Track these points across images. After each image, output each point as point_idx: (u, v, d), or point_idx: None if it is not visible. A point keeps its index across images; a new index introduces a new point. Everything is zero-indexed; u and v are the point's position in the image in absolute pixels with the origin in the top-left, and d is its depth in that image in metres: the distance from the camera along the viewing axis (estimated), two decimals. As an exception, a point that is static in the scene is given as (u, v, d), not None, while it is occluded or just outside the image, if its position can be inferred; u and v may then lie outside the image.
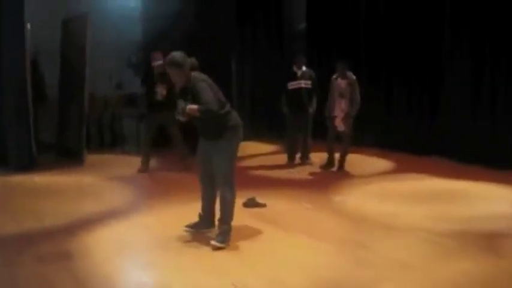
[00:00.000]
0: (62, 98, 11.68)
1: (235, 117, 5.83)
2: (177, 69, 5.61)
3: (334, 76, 9.77)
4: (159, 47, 11.55)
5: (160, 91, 9.29)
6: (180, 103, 5.57)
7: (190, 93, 5.56)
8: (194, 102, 5.50)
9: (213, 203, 6.05)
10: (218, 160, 5.71)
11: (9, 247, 5.88)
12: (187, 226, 6.18)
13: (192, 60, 5.73)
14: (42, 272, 5.11)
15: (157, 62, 9.26)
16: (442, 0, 10.80)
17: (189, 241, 5.92)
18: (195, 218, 6.22)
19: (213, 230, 6.05)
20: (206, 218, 6.14)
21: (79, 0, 12.76)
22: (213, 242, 5.66)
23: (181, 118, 5.65)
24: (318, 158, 10.32)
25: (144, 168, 9.68)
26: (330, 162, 9.92)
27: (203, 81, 5.62)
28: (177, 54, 5.66)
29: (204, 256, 5.48)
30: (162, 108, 9.22)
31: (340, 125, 9.48)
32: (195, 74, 5.69)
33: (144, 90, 9.48)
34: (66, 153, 11.24)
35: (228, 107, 5.78)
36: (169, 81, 8.88)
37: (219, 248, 5.60)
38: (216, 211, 6.05)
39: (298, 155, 10.54)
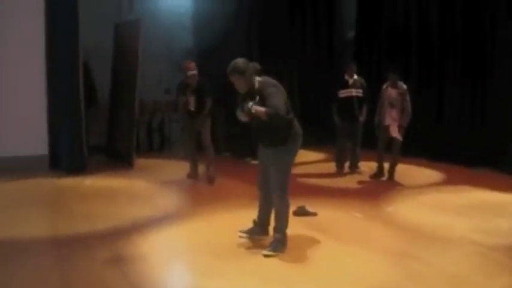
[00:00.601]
0: (113, 102, 11.83)
1: (297, 125, 5.80)
2: (239, 75, 5.56)
3: (385, 85, 9.66)
4: (209, 54, 11.75)
5: (193, 101, 9.27)
6: (247, 102, 5.50)
7: (257, 98, 5.51)
8: (262, 105, 5.46)
9: (270, 211, 6.02)
10: (275, 167, 5.69)
11: (63, 249, 5.97)
12: (241, 231, 6.18)
13: (255, 65, 5.68)
14: (96, 275, 5.18)
15: (190, 72, 9.20)
16: (496, 8, 10.62)
17: (242, 247, 5.92)
18: (246, 224, 6.22)
19: (267, 238, 6.04)
20: (261, 225, 6.14)
21: (131, 5, 13.00)
22: (264, 251, 5.66)
23: (243, 118, 5.61)
24: (367, 167, 10.22)
25: (194, 174, 9.70)
26: (379, 171, 9.81)
27: (274, 86, 5.60)
28: (239, 61, 5.61)
29: (255, 263, 5.48)
30: (196, 117, 9.27)
31: (395, 132, 9.35)
32: (265, 79, 5.67)
33: (180, 100, 9.45)
34: (116, 157, 11.38)
35: (291, 114, 5.74)
36: (200, 93, 9.08)
37: (269, 256, 5.59)
38: (271, 219, 6.03)
39: (347, 164, 10.45)
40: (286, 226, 5.83)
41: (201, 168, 9.71)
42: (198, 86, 9.19)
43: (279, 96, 5.51)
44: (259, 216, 6.16)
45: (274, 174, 5.71)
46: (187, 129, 9.56)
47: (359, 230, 6.74)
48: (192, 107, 9.24)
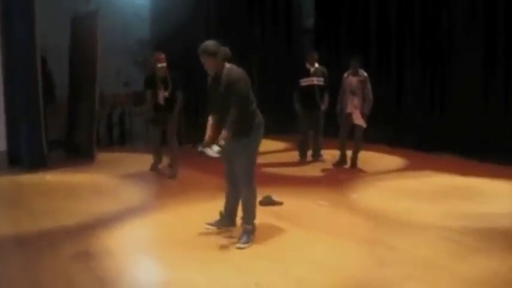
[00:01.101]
0: (72, 96, 11.65)
1: (259, 115, 5.81)
2: (209, 57, 5.60)
3: (346, 73, 9.72)
4: (167, 45, 11.65)
5: (162, 95, 9.16)
6: (212, 148, 5.58)
7: (223, 84, 5.57)
8: (225, 93, 5.54)
9: (237, 202, 6.01)
10: (239, 158, 5.69)
11: (28, 246, 5.86)
12: (208, 224, 6.15)
13: (226, 50, 5.71)
14: (63, 271, 5.12)
15: (160, 64, 9.08)
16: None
17: (210, 239, 5.89)
18: (213, 216, 6.20)
19: (233, 228, 6.03)
20: (228, 216, 6.13)
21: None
22: (237, 245, 5.65)
23: (216, 155, 5.58)
24: (330, 155, 10.29)
25: (156, 167, 9.65)
26: (342, 159, 9.89)
27: (242, 81, 5.62)
28: (210, 43, 5.66)
29: (225, 254, 5.47)
30: (165, 111, 9.13)
31: (358, 119, 9.41)
32: (233, 67, 5.70)
33: (148, 93, 9.32)
34: (76, 151, 11.21)
35: (254, 104, 5.77)
36: (170, 85, 8.99)
37: (242, 248, 5.59)
38: (238, 211, 6.03)
39: (309, 153, 10.49)
40: (254, 216, 5.84)
41: (165, 161, 9.65)
42: (168, 79, 9.08)
43: (241, 90, 5.56)
44: (226, 208, 6.15)
45: (239, 165, 5.71)
46: (155, 123, 9.43)
47: (325, 218, 6.78)
48: (161, 101, 9.12)
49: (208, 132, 5.80)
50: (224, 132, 5.51)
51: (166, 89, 9.06)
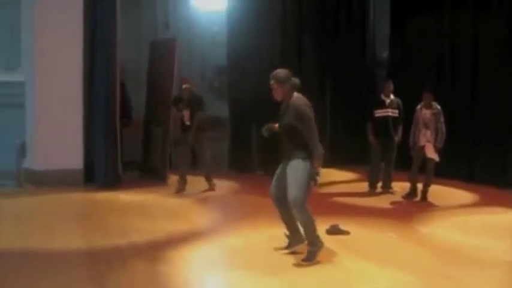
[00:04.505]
0: (148, 120, 11.97)
1: (317, 145, 5.94)
2: (277, 84, 5.95)
3: (419, 106, 9.65)
4: (243, 71, 11.90)
5: (187, 116, 9.44)
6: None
7: (291, 111, 5.88)
8: (291, 119, 5.86)
9: (293, 218, 6.10)
10: (296, 181, 5.83)
11: (99, 261, 6.04)
12: (279, 249, 6.25)
13: (296, 81, 6.03)
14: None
15: (185, 86, 9.55)
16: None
17: (277, 263, 5.94)
18: (277, 240, 6.32)
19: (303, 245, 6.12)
20: (293, 234, 6.23)
21: (167, 24, 13.20)
22: (301, 262, 5.84)
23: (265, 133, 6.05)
24: (400, 187, 10.17)
25: (181, 188, 9.84)
26: (412, 192, 9.76)
27: (308, 108, 5.91)
28: (281, 71, 6.03)
29: (293, 280, 5.48)
30: (189, 131, 9.46)
31: (431, 153, 9.31)
32: (300, 96, 5.99)
33: (177, 114, 9.63)
34: (150, 173, 11.49)
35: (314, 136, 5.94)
36: (193, 106, 9.34)
37: (306, 266, 5.79)
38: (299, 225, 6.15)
39: (379, 184, 10.41)
40: (316, 235, 5.98)
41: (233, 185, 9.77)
42: (191, 99, 9.36)
43: (310, 115, 5.88)
44: (287, 228, 6.26)
45: (295, 188, 5.83)
46: (181, 143, 9.78)
47: (392, 250, 6.71)
48: (187, 121, 9.37)
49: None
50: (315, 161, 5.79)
51: (190, 110, 9.32)
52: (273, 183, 6.16)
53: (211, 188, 9.58)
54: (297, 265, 5.83)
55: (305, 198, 5.87)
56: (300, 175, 5.82)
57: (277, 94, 5.99)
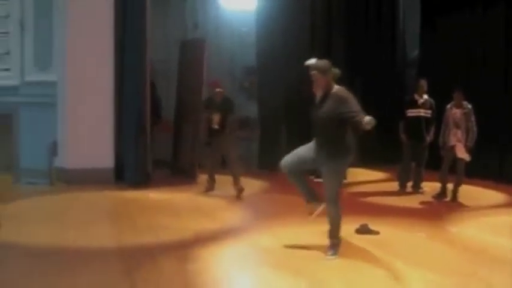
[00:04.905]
0: (178, 119, 12.05)
1: (352, 140, 6.01)
2: (319, 74, 5.86)
3: (449, 105, 9.58)
4: (273, 71, 11.89)
5: (216, 119, 9.39)
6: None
7: (333, 101, 5.80)
8: (333, 110, 5.76)
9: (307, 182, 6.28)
10: (330, 177, 5.94)
11: (128, 258, 6.08)
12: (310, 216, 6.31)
13: (336, 70, 5.99)
14: (162, 285, 5.27)
15: (217, 90, 9.47)
16: None
17: (305, 261, 5.93)
18: (309, 239, 6.34)
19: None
20: (312, 195, 6.27)
21: (196, 24, 13.27)
22: (327, 257, 5.98)
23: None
24: (430, 187, 10.10)
25: (210, 188, 9.91)
26: (442, 192, 9.68)
27: (352, 98, 5.83)
28: (322, 61, 5.97)
29: (320, 279, 5.46)
30: (219, 135, 9.44)
31: (461, 153, 9.23)
32: (342, 88, 5.92)
33: (205, 117, 9.68)
34: (179, 171, 11.57)
35: (349, 130, 5.97)
36: (225, 110, 9.27)
37: (332, 260, 5.93)
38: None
39: (409, 184, 10.35)
40: (339, 230, 6.09)
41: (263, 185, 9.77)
42: (223, 103, 9.36)
43: (355, 103, 5.78)
44: (307, 191, 6.30)
45: (329, 184, 5.97)
46: (210, 146, 9.76)
47: (421, 250, 6.65)
48: (215, 125, 9.36)
49: None
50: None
51: (221, 113, 9.33)
52: (293, 161, 6.11)
53: (239, 192, 9.48)
54: (326, 265, 5.83)
55: (339, 195, 6.04)
56: (339, 178, 6.05)
57: (319, 84, 5.91)
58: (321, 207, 6.19)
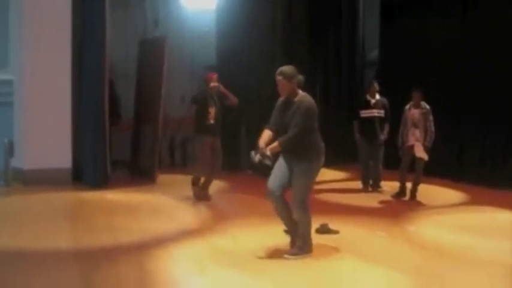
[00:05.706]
0: (137, 118, 11.93)
1: (322, 145, 6.04)
2: (284, 79, 5.90)
3: (408, 105, 9.68)
4: (232, 72, 11.83)
5: (212, 114, 9.18)
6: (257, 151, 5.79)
7: (296, 107, 5.87)
8: (295, 116, 5.82)
9: (291, 213, 6.06)
10: (298, 181, 5.88)
11: (86, 261, 6.01)
12: (287, 256, 6.08)
13: (301, 78, 6.16)
14: (119, 287, 5.20)
15: (214, 84, 9.18)
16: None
17: (264, 262, 5.92)
18: (270, 239, 6.34)
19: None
20: (293, 231, 6.17)
21: (156, 23, 13.15)
22: (285, 255, 5.97)
23: (267, 162, 5.78)
24: (389, 186, 10.19)
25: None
26: (401, 191, 9.77)
27: (312, 108, 5.92)
28: (288, 67, 6.00)
29: (279, 280, 5.46)
30: (213, 130, 9.12)
31: (420, 152, 9.32)
32: (307, 95, 6.01)
33: (197, 111, 9.21)
34: (138, 172, 11.45)
35: (318, 134, 6.03)
36: (220, 104, 9.09)
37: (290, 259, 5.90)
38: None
39: (370, 182, 10.44)
40: (309, 235, 6.07)
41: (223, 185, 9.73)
42: (219, 98, 9.18)
43: (313, 117, 5.92)
44: (286, 224, 6.21)
45: (297, 188, 5.91)
46: (208, 144, 9.14)
47: (381, 249, 6.69)
48: (211, 120, 9.18)
49: (261, 141, 5.92)
50: (275, 144, 5.82)
51: (216, 108, 9.15)
52: (280, 181, 5.98)
53: (204, 195, 9.17)
54: (286, 265, 5.81)
55: (308, 198, 6.02)
56: (310, 179, 6.00)
57: (284, 90, 5.95)
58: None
